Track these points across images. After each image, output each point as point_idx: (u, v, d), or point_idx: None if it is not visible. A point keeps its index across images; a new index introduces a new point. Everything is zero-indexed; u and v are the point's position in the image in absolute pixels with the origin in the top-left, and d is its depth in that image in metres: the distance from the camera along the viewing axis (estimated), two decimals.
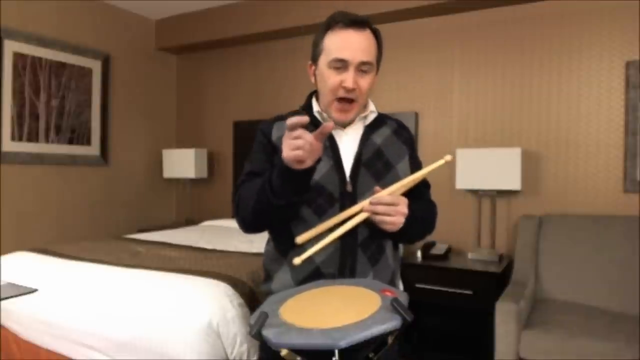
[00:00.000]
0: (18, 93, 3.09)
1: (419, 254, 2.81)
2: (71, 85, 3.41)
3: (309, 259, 1.13)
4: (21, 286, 1.92)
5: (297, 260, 1.10)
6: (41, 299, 1.93)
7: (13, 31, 3.05)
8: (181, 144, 4.27)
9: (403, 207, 1.13)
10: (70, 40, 3.41)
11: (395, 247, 1.32)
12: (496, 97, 2.96)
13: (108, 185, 3.71)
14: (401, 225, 1.13)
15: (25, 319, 1.97)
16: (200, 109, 4.18)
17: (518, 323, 2.05)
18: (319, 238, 1.13)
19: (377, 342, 0.87)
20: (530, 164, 2.82)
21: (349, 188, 1.20)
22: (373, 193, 1.13)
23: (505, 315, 2.06)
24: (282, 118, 1.27)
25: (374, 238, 1.20)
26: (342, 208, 1.17)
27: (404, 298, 0.91)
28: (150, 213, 4.06)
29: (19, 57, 3.09)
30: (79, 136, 3.48)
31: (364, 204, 1.14)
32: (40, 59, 3.21)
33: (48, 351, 1.91)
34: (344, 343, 0.77)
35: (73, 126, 3.43)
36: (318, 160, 1.06)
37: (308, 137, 1.00)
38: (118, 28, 3.77)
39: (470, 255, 2.80)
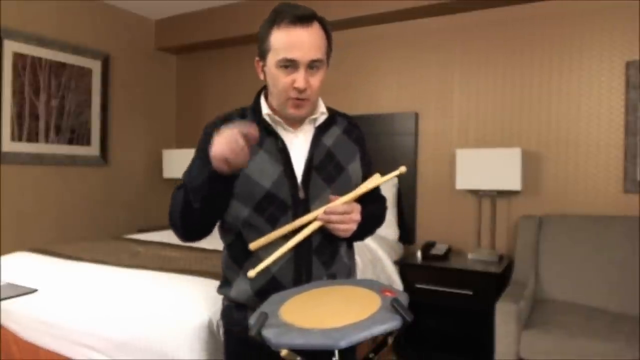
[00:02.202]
0: (18, 93, 3.09)
1: (419, 254, 2.81)
2: (71, 85, 3.41)
3: (265, 269, 1.13)
4: (21, 286, 1.92)
5: (251, 273, 1.10)
6: (41, 299, 1.92)
7: (13, 31, 3.05)
8: (181, 144, 4.27)
9: (356, 214, 1.15)
10: (70, 40, 3.41)
11: (350, 245, 1.32)
12: (496, 97, 2.96)
13: (108, 185, 3.71)
14: (354, 230, 1.17)
15: (25, 319, 1.97)
16: (200, 109, 4.18)
17: (518, 323, 2.05)
18: (273, 245, 1.13)
19: (377, 342, 0.86)
20: (530, 164, 2.82)
21: (302, 195, 1.17)
22: (328, 202, 1.16)
23: (505, 316, 2.06)
24: (231, 118, 1.22)
25: (327, 244, 1.20)
26: (295, 215, 1.16)
27: (404, 298, 0.91)
28: (150, 213, 4.06)
29: (18, 57, 3.09)
30: (79, 136, 3.48)
31: (317, 213, 1.14)
32: (40, 59, 3.21)
33: (48, 351, 1.90)
34: (344, 343, 0.77)
35: (73, 126, 3.43)
36: (237, 171, 1.07)
37: (243, 148, 1.00)
38: (118, 28, 3.77)
39: (470, 256, 2.80)
